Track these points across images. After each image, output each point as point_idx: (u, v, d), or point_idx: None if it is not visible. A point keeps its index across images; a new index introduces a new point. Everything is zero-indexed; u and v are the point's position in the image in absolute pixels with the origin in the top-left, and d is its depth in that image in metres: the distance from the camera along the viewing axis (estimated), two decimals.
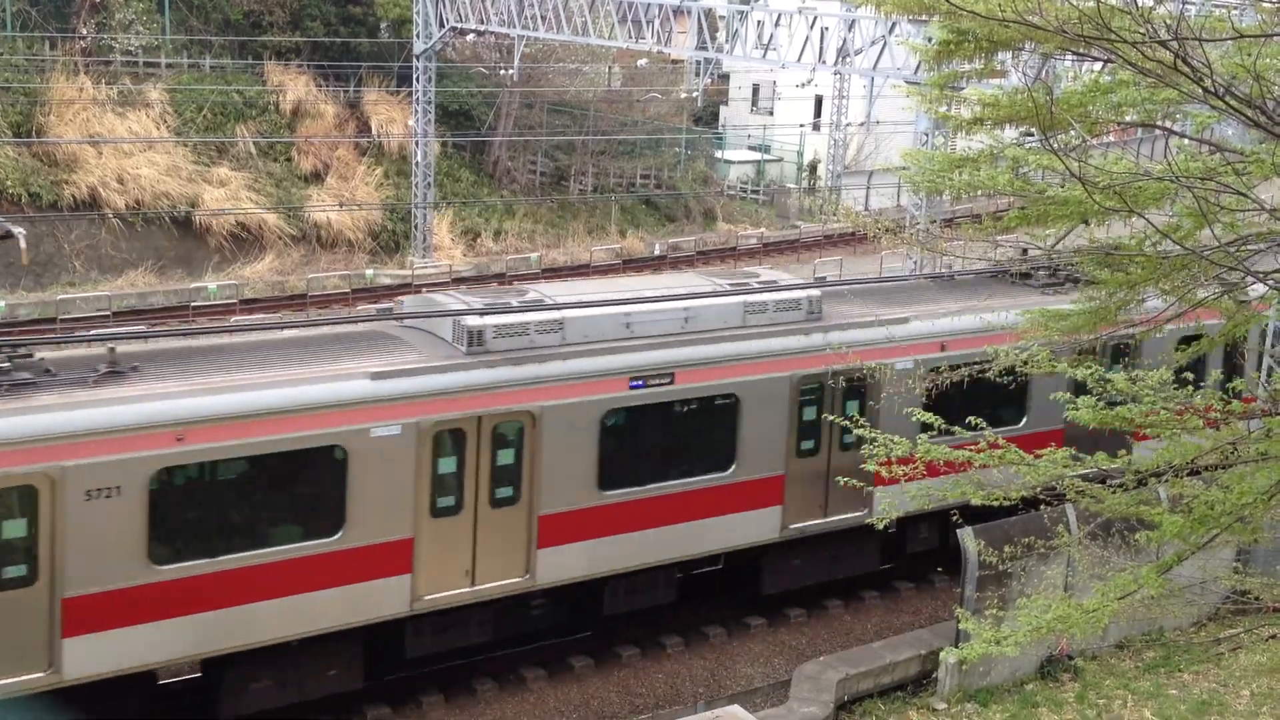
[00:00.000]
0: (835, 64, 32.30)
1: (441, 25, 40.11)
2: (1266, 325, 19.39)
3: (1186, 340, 15.10)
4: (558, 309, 16.58)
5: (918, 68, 25.46)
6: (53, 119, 39.42)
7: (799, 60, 32.56)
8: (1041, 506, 12.91)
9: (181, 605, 13.98)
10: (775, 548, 18.53)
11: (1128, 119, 11.63)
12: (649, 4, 35.93)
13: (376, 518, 15.03)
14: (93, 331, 27.21)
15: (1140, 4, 8.23)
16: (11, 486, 13.10)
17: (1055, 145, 9.63)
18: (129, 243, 38.67)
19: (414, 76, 41.50)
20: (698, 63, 49.51)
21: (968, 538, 16.45)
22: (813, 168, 56.19)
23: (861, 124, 53.70)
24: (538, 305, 16.69)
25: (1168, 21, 8.24)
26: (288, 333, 19.04)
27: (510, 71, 44.02)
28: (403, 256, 42.35)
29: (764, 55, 33.76)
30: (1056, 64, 17.08)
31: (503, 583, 16.18)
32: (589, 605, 17.66)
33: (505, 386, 15.85)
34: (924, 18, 18.06)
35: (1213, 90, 8.06)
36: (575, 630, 17.94)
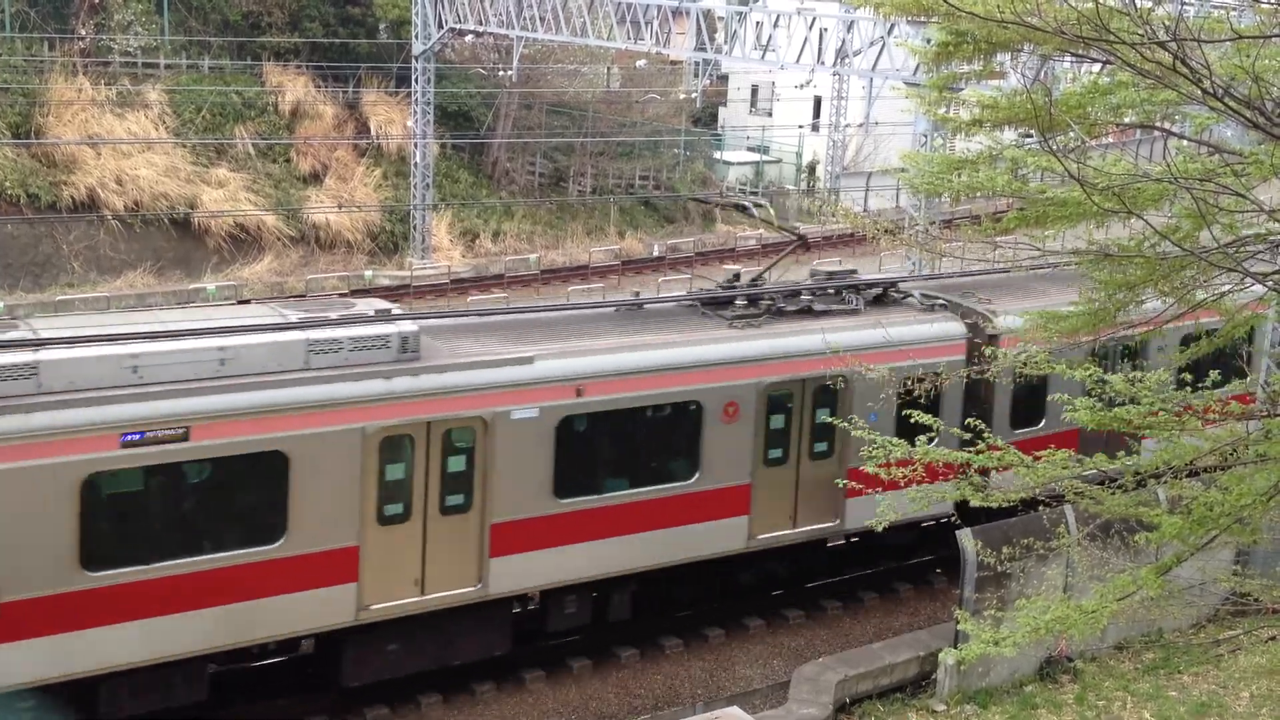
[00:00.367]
0: (834, 65, 32.30)
1: (440, 26, 40.11)
2: (1266, 326, 19.41)
3: (1186, 341, 15.12)
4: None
5: (916, 69, 25.47)
6: (51, 120, 39.40)
7: (798, 61, 32.57)
8: (1040, 508, 12.91)
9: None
10: (358, 630, 15.39)
11: (1126, 120, 11.63)
12: (648, 5, 35.93)
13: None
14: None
15: (1139, 5, 8.23)
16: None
17: (1054, 147, 9.62)
18: (128, 244, 38.66)
19: (413, 77, 41.50)
20: (696, 64, 49.44)
21: (966, 539, 16.45)
22: (811, 169, 56.19)
23: (860, 125, 53.67)
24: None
25: (1166, 23, 8.24)
26: None
27: (509, 72, 44.03)
28: (401, 258, 42.35)
29: (763, 56, 33.76)
30: (1055, 65, 17.07)
31: None
32: None
33: None
34: (923, 19, 18.06)
35: (1211, 91, 8.05)
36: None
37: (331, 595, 14.89)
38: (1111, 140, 43.87)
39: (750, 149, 57.54)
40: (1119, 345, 19.30)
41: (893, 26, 27.92)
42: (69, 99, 39.88)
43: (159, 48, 44.09)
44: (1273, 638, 15.05)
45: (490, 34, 41.21)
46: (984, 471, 12.00)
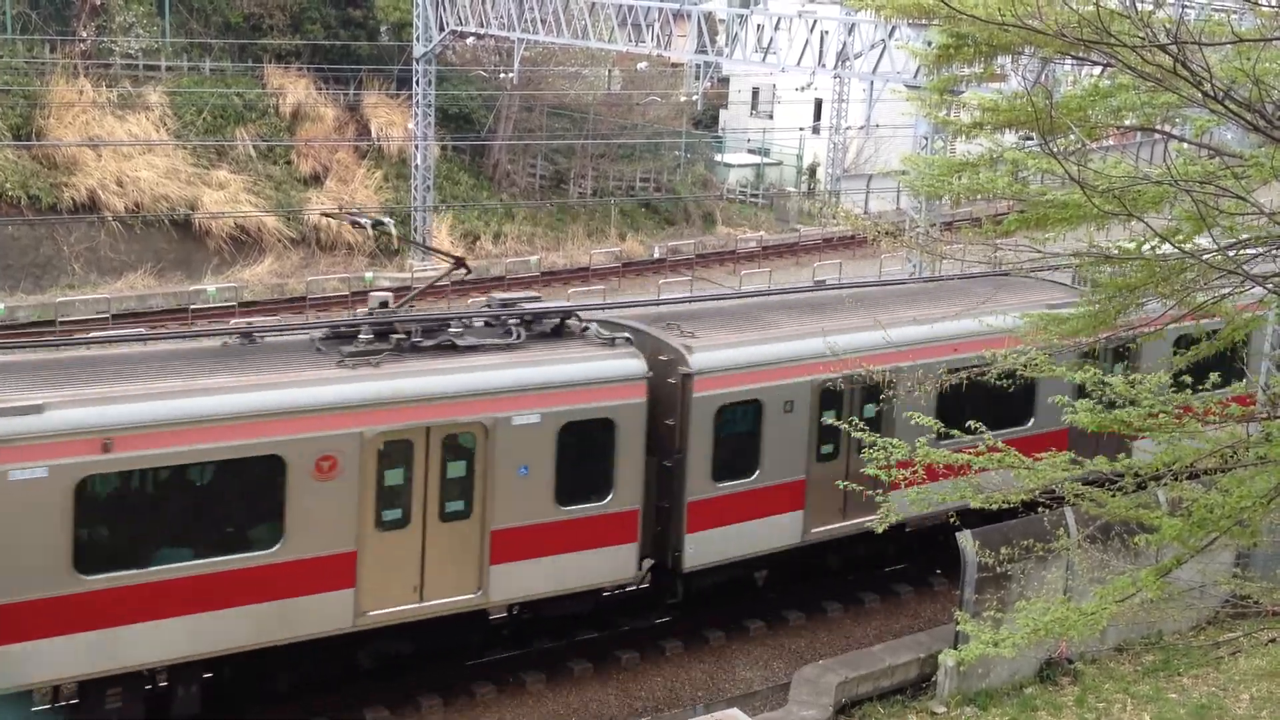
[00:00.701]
0: (835, 68, 32.34)
1: (441, 28, 40.13)
2: (1266, 328, 19.41)
3: (1181, 343, 15.13)
4: None
5: (917, 72, 25.49)
6: (52, 121, 39.42)
7: (799, 64, 32.60)
8: (1040, 509, 12.91)
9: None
10: None
11: (1127, 123, 11.64)
12: (649, 7, 35.97)
13: None
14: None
15: (1139, 8, 8.25)
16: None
17: (1055, 149, 9.63)
18: (128, 245, 38.68)
19: (414, 80, 41.52)
20: (697, 66, 49.49)
21: (966, 540, 16.45)
22: (812, 171, 56.23)
23: (861, 128, 53.69)
24: None
25: (1167, 25, 8.26)
26: None
27: (510, 75, 44.05)
28: (402, 259, 42.37)
29: (764, 59, 33.80)
30: (1056, 68, 17.10)
31: None
32: None
33: None
34: (924, 22, 18.08)
35: (1212, 94, 8.06)
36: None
37: None
38: (1112, 143, 43.87)
39: (751, 151, 57.57)
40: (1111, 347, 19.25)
41: (894, 29, 27.94)
42: (70, 101, 39.90)
43: (160, 50, 44.11)
44: (1273, 640, 15.04)
45: (491, 36, 41.23)
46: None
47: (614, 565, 16.97)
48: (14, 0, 42.53)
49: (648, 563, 17.88)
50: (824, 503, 18.35)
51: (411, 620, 15.72)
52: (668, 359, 17.27)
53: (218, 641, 14.50)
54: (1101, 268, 11.99)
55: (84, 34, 42.41)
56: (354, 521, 14.97)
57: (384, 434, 15.09)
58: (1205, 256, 9.69)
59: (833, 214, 51.12)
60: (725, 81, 59.80)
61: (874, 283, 25.92)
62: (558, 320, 17.20)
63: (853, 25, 30.70)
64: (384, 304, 16.58)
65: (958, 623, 15.01)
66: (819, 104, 55.26)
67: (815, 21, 32.42)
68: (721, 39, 36.69)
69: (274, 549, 14.59)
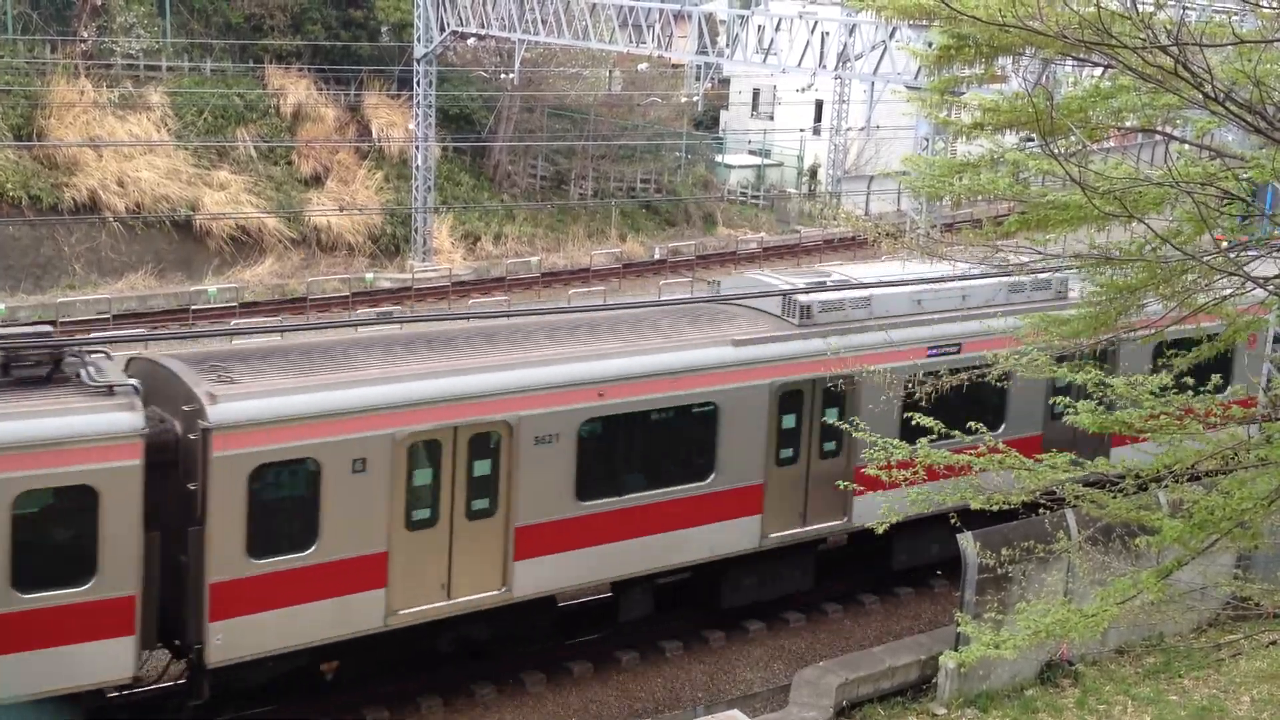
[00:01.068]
0: (836, 69, 32.32)
1: (442, 29, 40.13)
2: (1267, 330, 19.39)
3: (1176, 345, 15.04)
4: None
5: (918, 73, 25.48)
6: (53, 122, 39.42)
7: (799, 65, 32.59)
8: (1041, 511, 12.90)
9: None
10: None
11: (1128, 124, 11.63)
12: (650, 8, 35.96)
13: None
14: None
15: (1140, 9, 8.23)
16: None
17: (1055, 150, 9.62)
18: (129, 245, 38.68)
19: (414, 80, 41.52)
20: (698, 67, 49.50)
21: (967, 541, 16.44)
22: (813, 172, 56.21)
23: (862, 129, 53.67)
24: None
25: (1168, 27, 8.24)
26: None
27: (511, 76, 44.05)
28: (403, 260, 42.37)
29: (764, 60, 33.78)
30: (1057, 69, 17.08)
31: None
32: None
33: None
34: (924, 23, 18.07)
35: (1213, 95, 8.06)
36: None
37: None
38: (1113, 144, 43.88)
39: (751, 152, 57.57)
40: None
41: (894, 30, 27.93)
42: (71, 101, 39.91)
43: (161, 50, 44.12)
44: (1273, 642, 15.04)
45: (492, 37, 41.22)
46: None
47: (102, 663, 13.76)
48: (15, 0, 42.55)
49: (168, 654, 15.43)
50: (419, 578, 15.54)
51: None
52: (191, 409, 14.26)
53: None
54: (1102, 268, 11.97)
55: (85, 34, 42.42)
56: None
57: None
58: (1206, 258, 9.69)
59: (833, 215, 51.10)
60: (726, 83, 59.82)
61: (526, 311, 23.25)
62: (49, 361, 14.00)
63: (853, 26, 30.70)
64: None
65: (958, 624, 15.00)
66: (820, 105, 55.25)
67: (816, 23, 32.42)
68: (722, 40, 36.67)
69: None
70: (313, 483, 14.77)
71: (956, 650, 16.08)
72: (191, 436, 14.16)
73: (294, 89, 44.74)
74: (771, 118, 58.18)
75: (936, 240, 19.15)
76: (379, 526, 15.16)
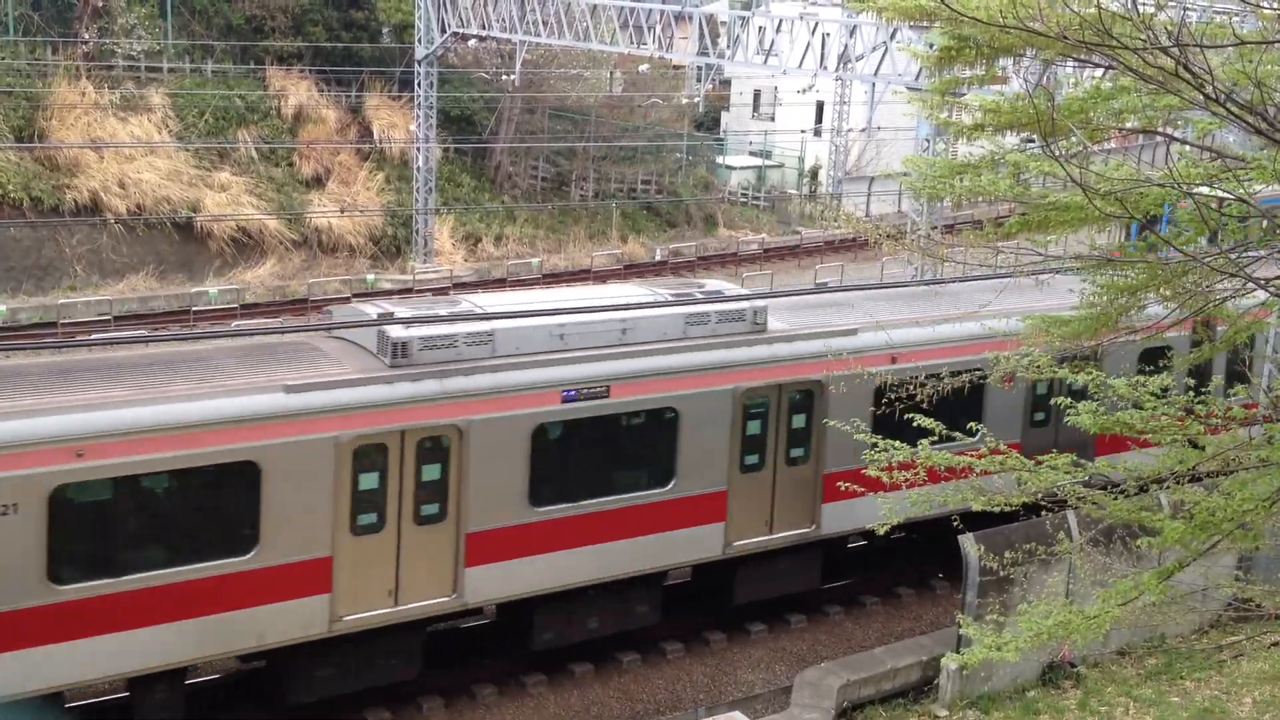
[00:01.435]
0: (836, 70, 32.31)
1: (443, 30, 40.14)
2: (1268, 331, 19.38)
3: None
4: None
5: (919, 74, 25.48)
6: (54, 123, 39.44)
7: (800, 66, 32.58)
8: (1043, 513, 12.90)
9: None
10: None
11: (1129, 125, 11.64)
12: (650, 9, 35.96)
13: None
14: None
15: (1141, 10, 8.23)
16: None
17: (1056, 151, 9.62)
18: (130, 247, 38.69)
19: (415, 82, 41.53)
20: (699, 68, 49.48)
21: (969, 543, 16.43)
22: (814, 173, 56.23)
23: (863, 130, 53.71)
24: None
25: (1169, 28, 8.24)
26: None
27: (512, 77, 44.07)
28: (404, 261, 42.38)
29: (765, 61, 33.78)
30: (1058, 70, 17.06)
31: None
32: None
33: None
34: (925, 24, 18.08)
35: (1214, 96, 8.05)
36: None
37: None
38: (1114, 145, 43.89)
39: (752, 154, 57.58)
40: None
41: (895, 31, 27.93)
42: (72, 102, 39.93)
43: (162, 51, 44.14)
44: (1275, 643, 15.04)
45: (493, 38, 41.24)
46: None
47: None
48: (16, 2, 42.57)
49: None
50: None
51: None
52: None
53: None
54: (1103, 269, 11.97)
55: (86, 36, 42.44)
56: None
57: None
58: (1207, 259, 9.68)
59: (834, 216, 51.14)
60: (727, 84, 59.83)
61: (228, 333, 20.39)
62: None
63: (854, 27, 30.69)
64: None
65: (960, 626, 15.00)
66: (820, 106, 55.28)
67: (817, 24, 32.42)
68: (723, 41, 36.67)
69: None
70: None
71: (958, 652, 16.07)
72: None
73: (295, 90, 44.76)
74: (772, 119, 58.20)
75: (937, 241, 19.16)
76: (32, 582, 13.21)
